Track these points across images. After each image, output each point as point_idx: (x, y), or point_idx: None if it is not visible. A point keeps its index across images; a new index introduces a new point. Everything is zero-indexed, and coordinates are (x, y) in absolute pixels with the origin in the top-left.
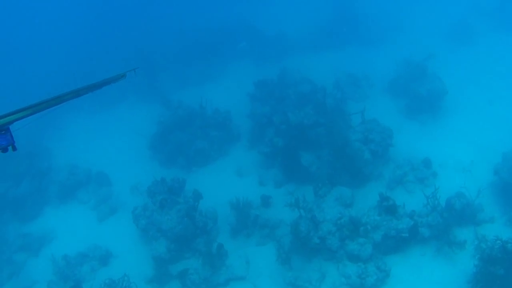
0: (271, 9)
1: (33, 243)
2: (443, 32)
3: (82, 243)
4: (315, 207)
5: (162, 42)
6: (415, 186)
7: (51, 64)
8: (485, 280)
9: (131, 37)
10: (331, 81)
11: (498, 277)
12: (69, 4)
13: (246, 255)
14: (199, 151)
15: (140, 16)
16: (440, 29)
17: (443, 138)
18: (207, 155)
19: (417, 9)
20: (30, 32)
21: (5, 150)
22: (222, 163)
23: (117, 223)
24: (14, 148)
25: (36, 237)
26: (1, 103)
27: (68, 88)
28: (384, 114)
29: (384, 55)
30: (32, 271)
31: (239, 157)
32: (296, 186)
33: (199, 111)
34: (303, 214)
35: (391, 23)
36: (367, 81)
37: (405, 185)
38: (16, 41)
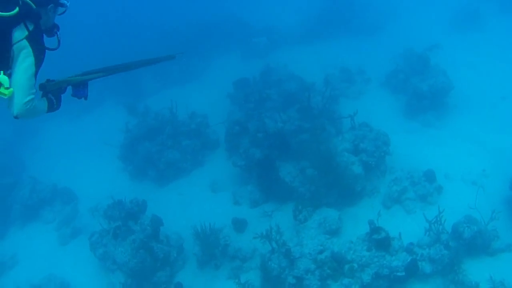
0: (261, 1)
1: None
2: (447, 18)
3: (42, 270)
4: (294, 234)
5: (143, 38)
6: (416, 205)
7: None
8: None
9: (112, 34)
10: (322, 77)
11: None
12: None
13: None
14: (170, 163)
15: (121, 14)
16: (444, 16)
17: (449, 143)
18: (179, 167)
19: None
20: None
21: (79, 98)
22: (196, 175)
23: (78, 248)
24: (86, 98)
25: None
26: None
27: None
28: (381, 114)
29: (382, 46)
30: None
31: (216, 169)
32: (276, 205)
33: (169, 117)
34: (276, 248)
35: (390, 10)
36: (362, 76)
37: (404, 204)
38: None
